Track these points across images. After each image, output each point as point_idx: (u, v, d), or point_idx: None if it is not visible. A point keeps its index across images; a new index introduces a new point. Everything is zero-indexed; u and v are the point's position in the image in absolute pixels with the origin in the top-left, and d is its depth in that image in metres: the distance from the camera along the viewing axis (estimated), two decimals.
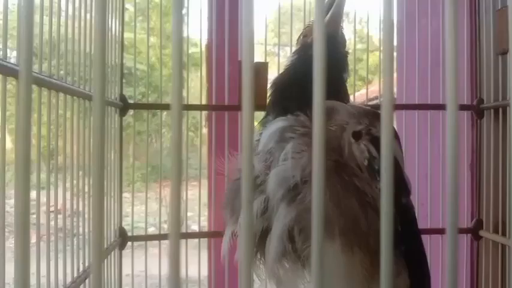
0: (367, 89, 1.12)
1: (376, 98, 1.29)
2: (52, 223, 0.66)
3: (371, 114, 0.66)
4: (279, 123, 0.66)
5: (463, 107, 0.98)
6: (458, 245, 0.25)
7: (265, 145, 0.64)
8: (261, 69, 0.93)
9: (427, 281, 0.68)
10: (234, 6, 1.02)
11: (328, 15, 0.68)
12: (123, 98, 0.94)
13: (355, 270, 0.59)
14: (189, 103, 1.04)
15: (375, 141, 0.62)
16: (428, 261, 0.94)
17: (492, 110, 0.95)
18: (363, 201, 0.59)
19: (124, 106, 0.93)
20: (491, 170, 0.94)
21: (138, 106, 0.99)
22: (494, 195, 0.93)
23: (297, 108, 0.65)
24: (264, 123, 0.72)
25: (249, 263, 0.24)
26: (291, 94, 0.69)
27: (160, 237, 0.96)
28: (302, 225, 0.59)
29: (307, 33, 0.75)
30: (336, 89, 0.69)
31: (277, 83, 0.75)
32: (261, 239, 0.61)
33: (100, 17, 0.24)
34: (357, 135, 0.62)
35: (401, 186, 0.63)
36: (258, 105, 0.95)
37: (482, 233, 0.98)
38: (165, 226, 1.03)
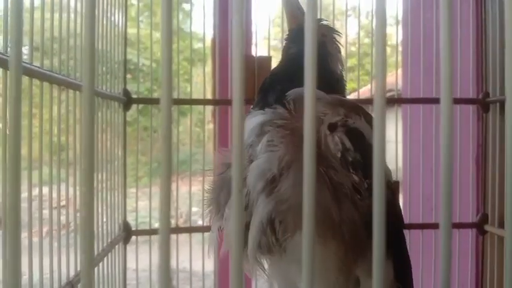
0: (371, 83, 1.12)
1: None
2: (57, 218, 0.67)
3: (348, 105, 0.66)
4: (258, 117, 0.66)
5: (468, 101, 0.97)
6: (451, 247, 0.25)
7: (247, 139, 0.64)
8: (264, 63, 0.93)
9: (409, 271, 0.68)
10: None
11: None
12: (126, 92, 0.94)
13: (329, 261, 0.59)
14: (194, 97, 1.04)
15: (351, 133, 0.62)
16: (433, 256, 0.94)
17: (498, 104, 0.94)
18: (337, 193, 0.59)
19: (128, 101, 0.94)
20: (497, 164, 0.93)
21: (141, 101, 0.99)
22: (500, 190, 0.92)
23: (275, 101, 0.66)
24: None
25: (239, 254, 0.24)
26: (269, 86, 0.70)
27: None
28: (280, 217, 0.59)
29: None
30: (326, 82, 0.68)
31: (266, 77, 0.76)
32: (244, 233, 0.62)
33: (89, 6, 0.24)
34: (332, 127, 0.62)
35: None
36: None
37: (487, 227, 0.97)
38: (171, 221, 1.04)
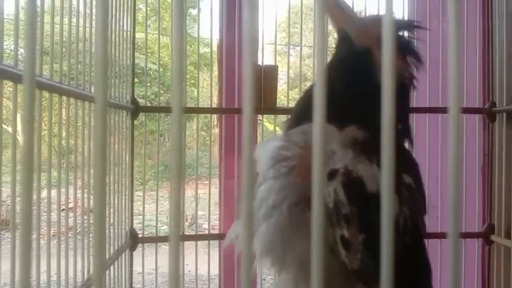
0: None
1: None
2: (67, 220, 0.68)
3: (362, 146, 0.59)
4: (274, 142, 0.64)
5: (475, 110, 0.97)
6: (461, 257, 0.24)
7: (264, 161, 0.63)
8: (270, 72, 0.93)
9: None
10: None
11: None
12: (134, 101, 0.94)
13: None
14: (200, 102, 1.04)
15: (350, 184, 0.57)
16: (439, 266, 0.93)
17: (504, 114, 0.93)
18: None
19: (136, 109, 0.94)
20: (503, 174, 0.92)
21: (149, 109, 0.99)
22: (506, 199, 0.92)
23: (295, 126, 0.64)
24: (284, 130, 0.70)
25: (249, 248, 0.24)
26: (301, 110, 0.67)
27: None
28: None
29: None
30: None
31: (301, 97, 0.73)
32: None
33: (102, 16, 0.25)
34: (332, 174, 0.57)
35: (404, 224, 0.59)
36: (267, 109, 0.95)
37: (493, 237, 0.96)
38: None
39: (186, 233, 1.04)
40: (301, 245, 0.57)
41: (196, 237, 0.97)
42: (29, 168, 0.23)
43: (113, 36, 0.83)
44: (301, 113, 0.65)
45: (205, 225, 1.35)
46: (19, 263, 0.23)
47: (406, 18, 1.02)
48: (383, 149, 0.22)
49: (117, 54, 0.86)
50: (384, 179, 0.22)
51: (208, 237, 0.99)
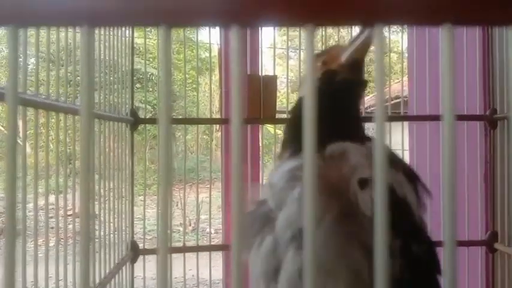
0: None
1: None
2: (70, 226, 0.68)
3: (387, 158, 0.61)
4: (290, 162, 0.63)
5: (476, 117, 0.95)
6: (456, 261, 0.24)
7: (278, 182, 0.61)
8: (269, 82, 0.92)
9: None
10: None
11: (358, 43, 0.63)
12: (134, 113, 0.93)
13: None
14: (202, 106, 1.04)
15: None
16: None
17: (506, 121, 0.92)
18: (366, 254, 0.55)
19: (135, 121, 0.94)
20: (506, 181, 0.91)
21: (149, 121, 0.99)
22: (509, 207, 0.90)
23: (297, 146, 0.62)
24: (280, 158, 0.68)
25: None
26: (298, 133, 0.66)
27: (171, 250, 0.96)
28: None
29: (327, 59, 0.69)
30: (353, 128, 0.66)
31: (291, 118, 0.72)
32: (273, 279, 0.59)
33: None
34: (363, 183, 0.57)
35: (411, 232, 0.59)
36: (266, 118, 0.95)
37: (497, 245, 0.95)
38: (175, 235, 1.04)
39: (187, 239, 1.04)
40: (350, 256, 0.56)
41: (196, 249, 0.97)
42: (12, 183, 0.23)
43: (112, 41, 0.83)
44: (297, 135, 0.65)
45: (209, 229, 1.35)
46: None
47: None
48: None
49: (116, 58, 0.85)
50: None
51: (210, 248, 0.98)
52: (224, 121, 1.01)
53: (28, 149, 0.59)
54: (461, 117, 0.94)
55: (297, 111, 0.70)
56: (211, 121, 1.02)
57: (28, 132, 0.62)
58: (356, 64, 0.66)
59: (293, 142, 0.66)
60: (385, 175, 0.24)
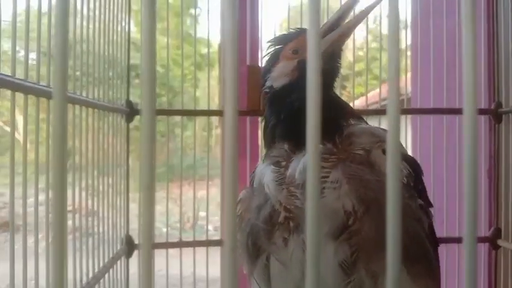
0: (380, 88, 1.09)
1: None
2: (69, 222, 0.67)
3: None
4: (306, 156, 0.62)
5: (480, 111, 0.94)
6: (476, 258, 0.22)
7: (297, 178, 0.59)
8: (252, 73, 0.88)
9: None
10: (243, 7, 1.00)
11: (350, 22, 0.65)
12: (129, 103, 0.92)
13: None
14: (203, 102, 1.02)
15: (410, 161, 0.62)
16: (444, 270, 0.91)
17: (510, 115, 0.91)
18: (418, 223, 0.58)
19: (130, 112, 0.92)
20: (510, 176, 0.90)
21: None
22: None
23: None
24: (266, 157, 0.66)
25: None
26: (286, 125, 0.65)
27: (168, 245, 0.95)
28: (362, 262, 0.55)
29: (298, 47, 0.66)
30: (339, 106, 0.66)
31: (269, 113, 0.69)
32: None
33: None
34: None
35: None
36: (251, 110, 0.91)
37: (500, 242, 0.94)
38: (175, 232, 1.02)
39: (186, 236, 1.02)
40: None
41: (194, 244, 0.96)
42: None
43: (111, 36, 0.82)
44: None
45: (209, 226, 1.33)
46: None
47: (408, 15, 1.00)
48: None
49: (114, 53, 0.84)
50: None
51: (207, 243, 0.97)
52: (222, 113, 0.99)
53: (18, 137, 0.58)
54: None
55: (277, 105, 0.67)
56: (208, 113, 0.99)
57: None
58: (332, 55, 0.66)
59: (281, 136, 0.64)
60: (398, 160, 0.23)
